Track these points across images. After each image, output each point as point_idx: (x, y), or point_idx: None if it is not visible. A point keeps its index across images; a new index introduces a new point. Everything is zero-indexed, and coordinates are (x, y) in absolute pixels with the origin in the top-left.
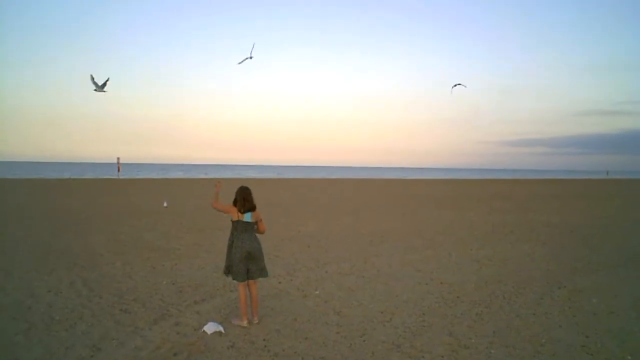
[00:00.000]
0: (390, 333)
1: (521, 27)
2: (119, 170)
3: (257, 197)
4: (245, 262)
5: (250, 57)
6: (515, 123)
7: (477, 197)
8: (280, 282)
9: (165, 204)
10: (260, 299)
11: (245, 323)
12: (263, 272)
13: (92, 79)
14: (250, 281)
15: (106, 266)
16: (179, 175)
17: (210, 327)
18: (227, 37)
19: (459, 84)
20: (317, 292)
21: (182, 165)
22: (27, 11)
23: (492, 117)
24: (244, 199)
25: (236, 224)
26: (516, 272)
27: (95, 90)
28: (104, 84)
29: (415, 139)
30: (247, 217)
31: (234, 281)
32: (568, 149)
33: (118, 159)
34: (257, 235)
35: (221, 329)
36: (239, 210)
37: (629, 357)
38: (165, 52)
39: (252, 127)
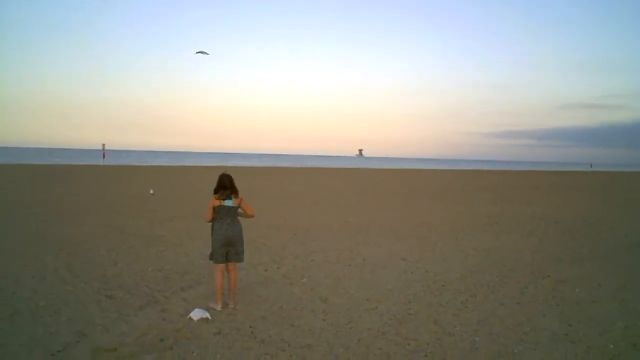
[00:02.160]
0: (375, 320)
1: (510, 24)
2: (104, 157)
3: (244, 187)
4: (225, 246)
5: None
6: (502, 115)
7: (463, 189)
8: (266, 270)
9: (151, 191)
10: (246, 286)
11: (219, 307)
12: (239, 257)
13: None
14: (230, 266)
15: (91, 253)
16: (166, 162)
17: (196, 314)
18: (223, 31)
19: (202, 52)
20: (303, 280)
21: (171, 152)
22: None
23: (481, 109)
24: (222, 186)
25: (218, 209)
26: (501, 262)
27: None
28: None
29: (405, 129)
30: (228, 202)
31: (213, 263)
32: (553, 141)
33: (103, 145)
34: (246, 219)
35: (207, 315)
36: (218, 199)
37: (611, 346)
38: (158, 41)
39: (237, 116)
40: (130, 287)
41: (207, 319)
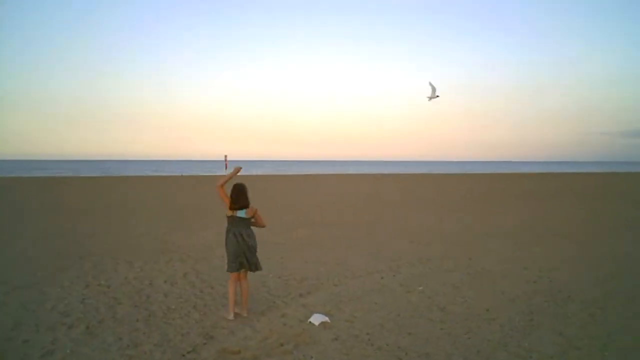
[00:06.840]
0: (496, 331)
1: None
2: (226, 168)
3: (364, 193)
4: (238, 257)
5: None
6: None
7: (598, 190)
8: (382, 278)
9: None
10: (363, 293)
11: (231, 316)
12: (252, 266)
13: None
14: (242, 274)
15: (217, 259)
16: (288, 171)
17: (316, 318)
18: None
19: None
20: (420, 288)
21: (293, 161)
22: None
23: (609, 106)
24: (236, 196)
25: (231, 219)
26: (636, 270)
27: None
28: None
29: (523, 131)
30: (241, 213)
31: (227, 272)
32: None
33: (225, 156)
34: (256, 229)
35: (327, 319)
36: (230, 208)
37: None
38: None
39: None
40: (253, 292)
41: (326, 323)
